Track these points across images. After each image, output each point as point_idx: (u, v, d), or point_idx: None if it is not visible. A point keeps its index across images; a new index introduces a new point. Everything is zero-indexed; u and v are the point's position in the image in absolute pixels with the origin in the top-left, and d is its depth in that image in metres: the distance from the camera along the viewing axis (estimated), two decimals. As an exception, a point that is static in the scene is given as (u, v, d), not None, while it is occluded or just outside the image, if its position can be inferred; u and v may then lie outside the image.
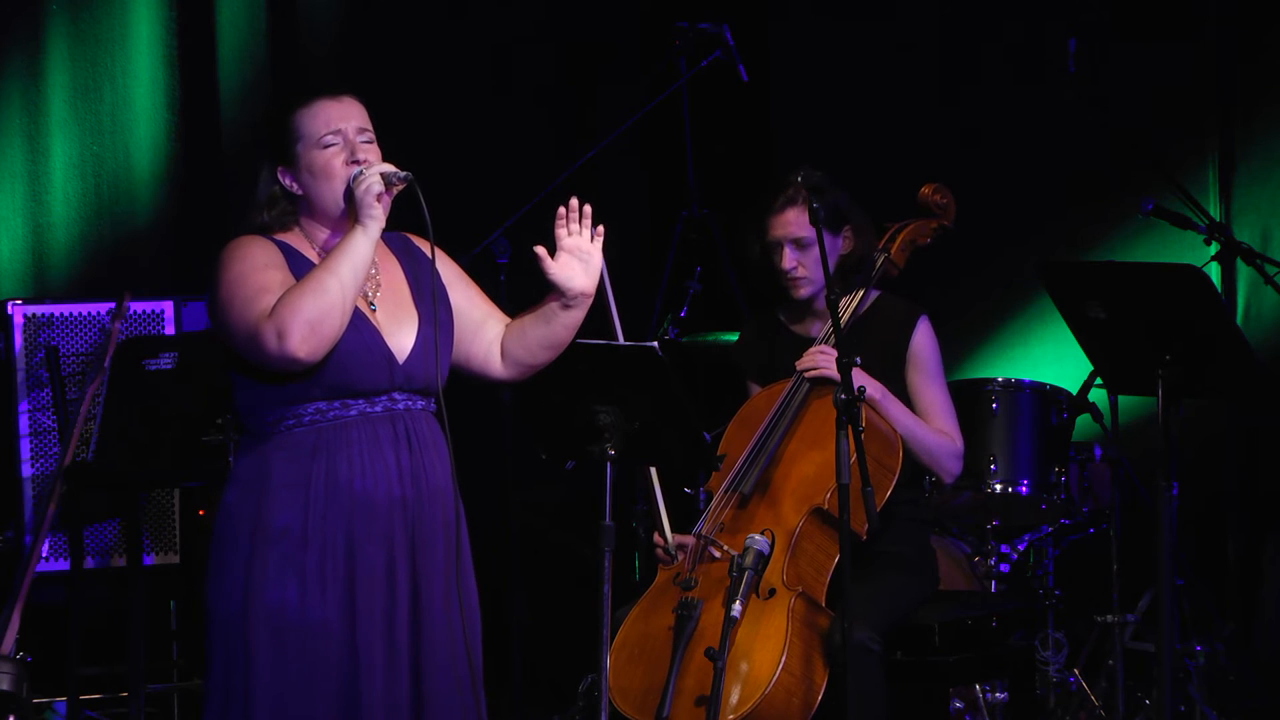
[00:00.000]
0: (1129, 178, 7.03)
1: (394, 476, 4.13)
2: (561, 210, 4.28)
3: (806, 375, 5.26)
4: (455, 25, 7.50)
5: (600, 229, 4.30)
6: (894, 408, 5.29)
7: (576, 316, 4.31)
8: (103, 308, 6.25)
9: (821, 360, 5.24)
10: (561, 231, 4.28)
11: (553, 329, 4.31)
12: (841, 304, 5.28)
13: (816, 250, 5.26)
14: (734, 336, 5.86)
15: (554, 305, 4.29)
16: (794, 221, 5.35)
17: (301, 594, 4.05)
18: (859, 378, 4.96)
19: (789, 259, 5.37)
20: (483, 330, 4.34)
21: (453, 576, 4.16)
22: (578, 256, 4.27)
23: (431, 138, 7.26)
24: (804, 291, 5.40)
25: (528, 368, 4.36)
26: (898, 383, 5.36)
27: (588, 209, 4.29)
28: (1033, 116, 7.22)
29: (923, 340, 5.41)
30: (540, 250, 4.25)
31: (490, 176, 7.20)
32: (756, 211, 5.46)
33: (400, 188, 4.12)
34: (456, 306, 4.30)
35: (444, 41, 7.47)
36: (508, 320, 4.38)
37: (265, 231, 4.18)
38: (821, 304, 5.29)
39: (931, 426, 5.34)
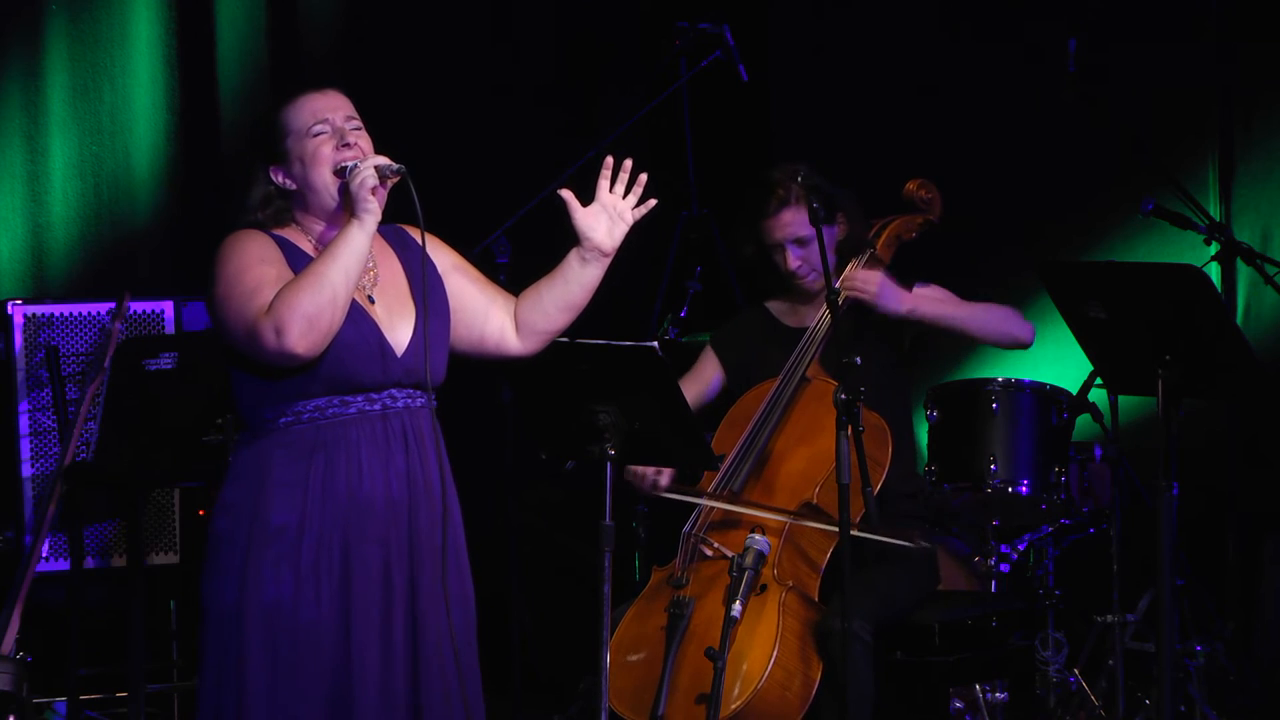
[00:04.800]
0: (1129, 178, 7.03)
1: (391, 477, 4.13)
2: (608, 160, 4.28)
3: (845, 289, 5.25)
4: (455, 25, 7.50)
5: (652, 202, 4.30)
6: (936, 307, 5.31)
7: (592, 275, 4.30)
8: (103, 308, 6.25)
9: (867, 280, 5.27)
10: (604, 184, 4.29)
11: (570, 288, 4.31)
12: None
13: (814, 246, 5.30)
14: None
15: (572, 261, 4.29)
16: (792, 222, 5.35)
17: (296, 593, 4.05)
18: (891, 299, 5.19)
19: (793, 259, 5.38)
20: (491, 311, 4.34)
21: (449, 577, 4.16)
22: (608, 213, 4.28)
23: (431, 137, 7.26)
24: (815, 284, 5.41)
25: (545, 334, 4.35)
26: (900, 356, 5.38)
27: (642, 179, 4.30)
28: (1033, 116, 7.22)
29: (923, 288, 5.43)
30: (567, 194, 4.26)
31: (490, 176, 7.20)
32: (748, 215, 5.45)
33: (395, 180, 4.12)
34: (458, 292, 4.31)
35: (444, 41, 7.47)
36: (513, 298, 4.38)
37: (261, 228, 4.18)
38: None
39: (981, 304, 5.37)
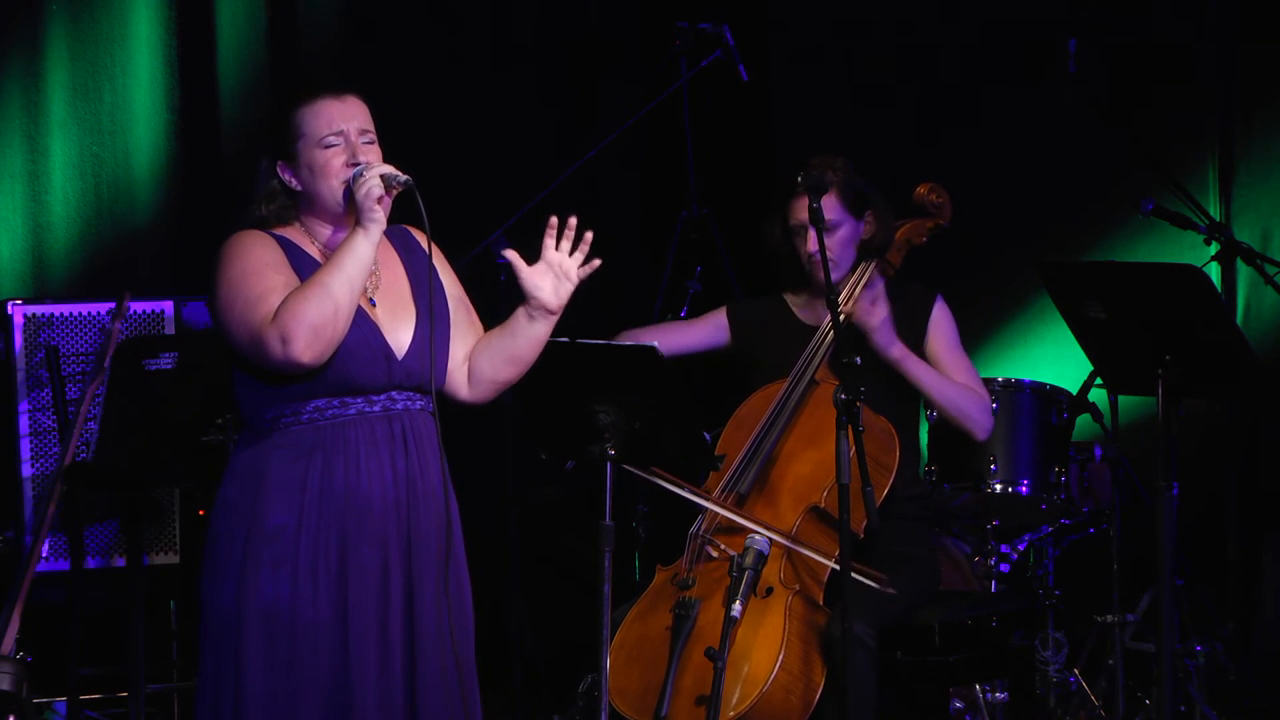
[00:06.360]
0: (1129, 178, 7.03)
1: (388, 479, 4.12)
2: (553, 220, 4.24)
3: (847, 311, 5.30)
4: (455, 25, 7.50)
5: (596, 262, 4.25)
6: (917, 367, 5.36)
7: (540, 331, 4.26)
8: (103, 308, 6.25)
9: (872, 312, 5.29)
10: (549, 243, 4.24)
11: (517, 342, 4.26)
12: (851, 281, 5.39)
13: (839, 234, 5.33)
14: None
15: (521, 315, 4.26)
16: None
17: (294, 594, 4.06)
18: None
19: (812, 242, 5.38)
20: (462, 344, 4.31)
21: (449, 579, 4.16)
22: (554, 272, 4.25)
23: (431, 138, 7.26)
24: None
25: (491, 385, 4.30)
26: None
27: (587, 237, 4.24)
28: (1033, 116, 7.22)
29: (941, 315, 5.50)
30: (512, 255, 4.23)
31: (490, 176, 7.20)
32: (780, 195, 5.48)
33: (400, 190, 4.11)
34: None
35: (444, 42, 7.47)
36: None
37: (264, 226, 4.18)
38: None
39: (957, 381, 5.40)
